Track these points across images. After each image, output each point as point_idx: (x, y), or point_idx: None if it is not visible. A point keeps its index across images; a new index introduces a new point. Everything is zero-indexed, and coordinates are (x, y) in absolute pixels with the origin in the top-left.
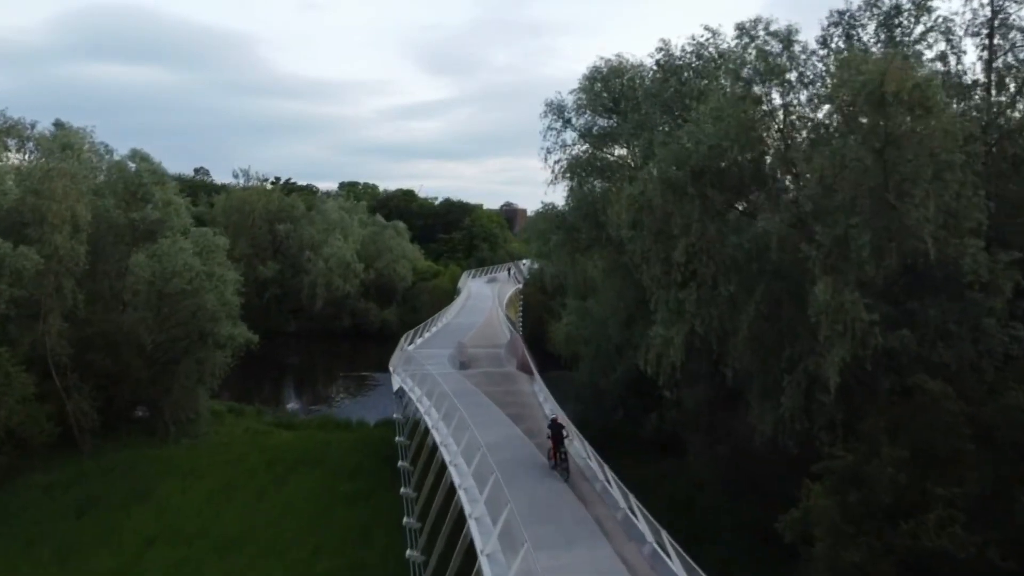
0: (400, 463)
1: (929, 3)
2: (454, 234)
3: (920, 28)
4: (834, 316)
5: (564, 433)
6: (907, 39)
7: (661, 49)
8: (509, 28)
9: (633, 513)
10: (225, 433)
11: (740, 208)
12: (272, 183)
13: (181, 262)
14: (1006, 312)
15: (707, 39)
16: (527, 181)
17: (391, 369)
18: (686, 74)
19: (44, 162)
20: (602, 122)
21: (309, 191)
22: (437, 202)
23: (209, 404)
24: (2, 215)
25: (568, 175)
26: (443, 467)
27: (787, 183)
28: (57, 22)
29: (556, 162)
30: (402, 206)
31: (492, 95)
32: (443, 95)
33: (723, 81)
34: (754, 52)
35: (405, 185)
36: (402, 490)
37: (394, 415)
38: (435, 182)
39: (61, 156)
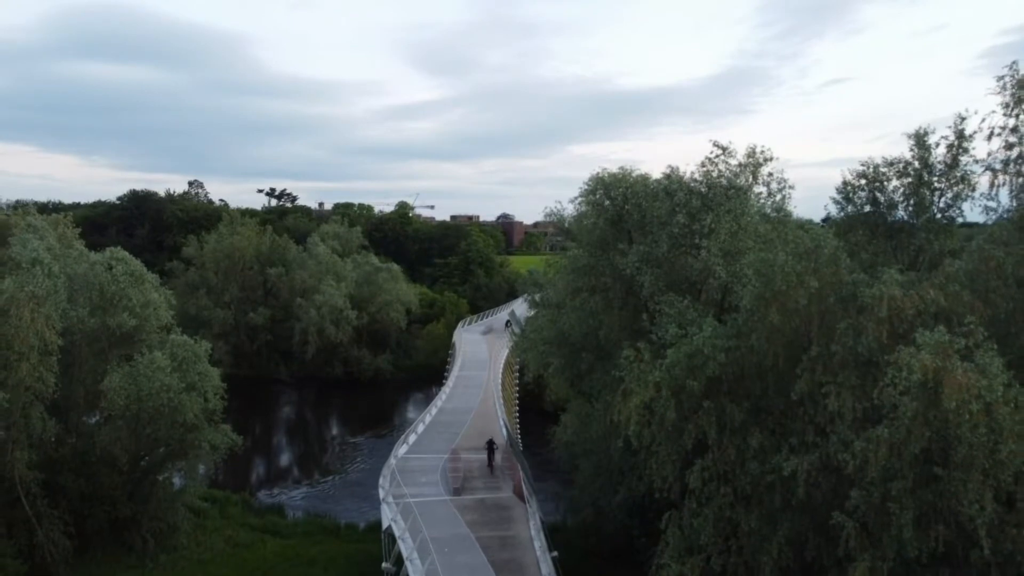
0: None
1: (963, 168)
2: (450, 259)
3: (953, 192)
4: None
5: (495, 448)
6: (937, 201)
7: (668, 176)
8: (503, 28)
9: None
10: (206, 545)
11: (761, 424)
12: (267, 194)
13: (158, 383)
14: None
15: (717, 156)
16: (523, 182)
17: (380, 492)
18: (695, 202)
19: (10, 283)
20: (604, 227)
21: (304, 212)
22: (433, 210)
23: (191, 504)
24: None
25: (573, 290)
26: None
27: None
28: (50, 21)
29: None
30: (397, 229)
31: (486, 96)
32: (437, 95)
33: (737, 204)
34: (784, 255)
35: (401, 186)
36: None
37: (384, 565)
38: (431, 183)
39: (29, 275)
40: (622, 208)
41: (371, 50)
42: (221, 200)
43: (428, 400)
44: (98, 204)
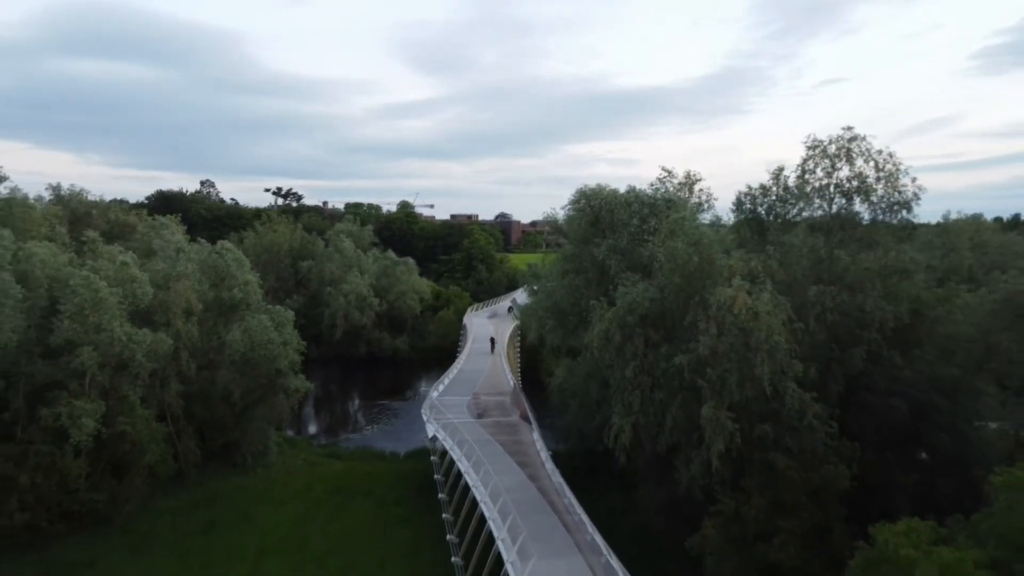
0: (440, 495)
1: (804, 190)
2: (454, 256)
3: (798, 206)
4: (713, 426)
5: (495, 343)
6: (791, 211)
7: (629, 191)
8: (498, 27)
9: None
10: (290, 464)
11: (670, 342)
12: (274, 193)
13: (266, 338)
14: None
15: (664, 177)
16: (519, 181)
17: (424, 417)
18: (646, 210)
19: (163, 265)
20: (586, 226)
21: (316, 211)
22: (433, 209)
23: (275, 438)
24: (142, 310)
25: (563, 272)
26: (475, 502)
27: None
28: (44, 17)
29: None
30: (404, 228)
31: (482, 95)
32: (432, 94)
33: (673, 215)
34: (681, 243)
35: (398, 184)
36: (444, 515)
37: (432, 458)
38: (427, 182)
39: (176, 260)
40: (599, 213)
41: (367, 48)
42: (232, 199)
43: (440, 375)
44: (121, 202)
